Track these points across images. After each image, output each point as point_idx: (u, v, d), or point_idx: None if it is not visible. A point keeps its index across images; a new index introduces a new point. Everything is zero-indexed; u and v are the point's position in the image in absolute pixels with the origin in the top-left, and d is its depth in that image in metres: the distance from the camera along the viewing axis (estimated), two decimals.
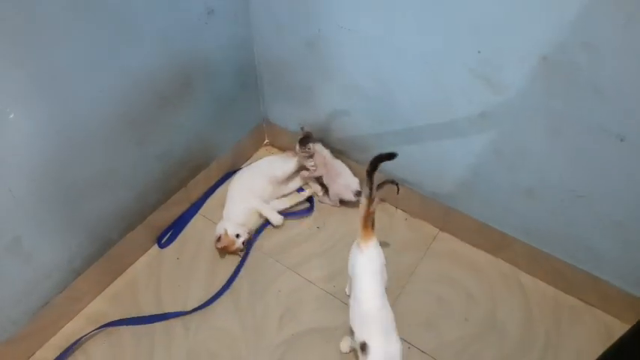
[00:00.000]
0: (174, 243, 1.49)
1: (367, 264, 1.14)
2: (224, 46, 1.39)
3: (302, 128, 1.52)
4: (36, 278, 1.18)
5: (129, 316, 1.31)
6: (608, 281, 1.25)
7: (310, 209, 1.57)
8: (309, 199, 1.60)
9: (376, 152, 1.46)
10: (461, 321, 1.31)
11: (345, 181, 1.52)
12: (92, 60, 1.06)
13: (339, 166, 1.54)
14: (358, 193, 1.51)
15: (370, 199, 1.12)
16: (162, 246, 1.47)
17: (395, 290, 1.36)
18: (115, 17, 1.06)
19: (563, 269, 1.31)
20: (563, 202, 1.19)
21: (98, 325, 1.28)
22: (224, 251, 1.44)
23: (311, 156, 1.52)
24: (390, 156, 1.10)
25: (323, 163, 1.53)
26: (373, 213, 1.14)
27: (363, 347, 1.06)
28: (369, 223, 1.14)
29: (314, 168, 1.54)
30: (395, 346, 1.06)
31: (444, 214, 1.46)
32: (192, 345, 1.27)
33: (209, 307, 1.34)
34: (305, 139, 1.50)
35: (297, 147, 1.51)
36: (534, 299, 1.35)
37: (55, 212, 1.15)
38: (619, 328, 1.25)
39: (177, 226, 1.51)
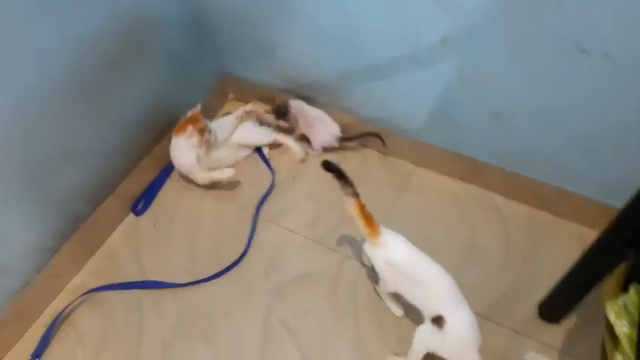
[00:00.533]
0: (149, 210, 1.47)
1: (402, 246, 1.09)
2: None
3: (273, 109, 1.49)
4: (11, 260, 1.16)
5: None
6: (579, 193, 1.28)
7: (272, 186, 1.50)
8: (268, 164, 1.54)
9: (343, 94, 1.46)
10: (442, 250, 1.33)
11: (327, 127, 1.50)
12: (30, 28, 1.00)
13: (318, 113, 1.51)
14: (340, 139, 1.49)
15: (356, 196, 1.08)
16: (137, 213, 1.45)
17: None
18: None
19: (535, 187, 1.33)
20: (529, 121, 1.20)
21: (83, 298, 1.28)
22: (188, 124, 1.40)
23: (294, 120, 1.49)
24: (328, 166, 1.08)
25: (303, 116, 1.50)
26: (364, 206, 1.09)
27: (438, 321, 1.02)
28: (369, 217, 1.09)
29: (299, 129, 1.51)
30: (470, 312, 1.03)
31: (416, 149, 1.46)
32: (182, 307, 1.28)
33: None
34: (281, 110, 1.46)
35: (279, 121, 1.48)
36: (510, 219, 1.38)
37: (18, 192, 1.11)
38: (592, 236, 1.28)
39: (150, 192, 1.49)
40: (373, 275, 1.19)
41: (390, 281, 1.12)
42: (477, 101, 1.23)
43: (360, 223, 1.09)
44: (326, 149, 1.53)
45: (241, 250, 1.36)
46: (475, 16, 1.06)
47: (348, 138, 1.51)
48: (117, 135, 1.33)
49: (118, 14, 1.18)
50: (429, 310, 1.06)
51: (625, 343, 0.79)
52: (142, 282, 1.31)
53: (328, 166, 1.09)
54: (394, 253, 1.09)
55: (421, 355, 1.07)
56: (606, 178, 1.22)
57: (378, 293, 1.25)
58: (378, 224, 1.10)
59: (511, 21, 1.03)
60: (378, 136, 1.47)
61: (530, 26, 1.03)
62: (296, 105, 1.51)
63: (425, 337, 1.06)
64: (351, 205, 1.09)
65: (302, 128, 1.52)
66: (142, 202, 1.47)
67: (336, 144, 1.51)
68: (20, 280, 1.21)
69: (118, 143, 1.35)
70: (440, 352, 1.04)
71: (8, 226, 1.12)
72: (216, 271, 1.32)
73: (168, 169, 1.54)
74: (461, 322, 1.02)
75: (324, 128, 1.50)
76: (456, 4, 1.06)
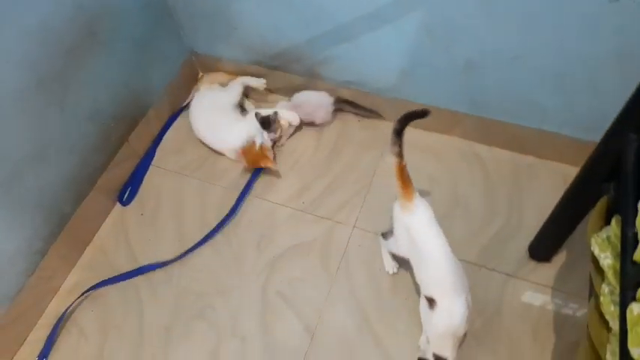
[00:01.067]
0: (134, 200, 1.46)
1: (424, 221, 1.06)
2: None
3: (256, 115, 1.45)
4: (0, 268, 1.16)
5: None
6: (557, 132, 1.28)
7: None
8: None
9: (313, 60, 1.43)
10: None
11: (320, 104, 1.48)
12: None
13: (307, 96, 1.49)
14: (337, 101, 1.47)
15: (400, 156, 1.07)
16: (124, 203, 1.45)
17: (361, 191, 1.39)
18: None
19: (514, 131, 1.33)
20: (501, 66, 1.19)
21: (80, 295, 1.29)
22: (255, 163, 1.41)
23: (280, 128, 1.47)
24: (424, 113, 1.05)
25: (300, 108, 1.48)
26: (405, 167, 1.08)
27: (431, 302, 1.02)
28: (407, 178, 1.07)
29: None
30: (463, 305, 1.00)
31: (392, 106, 1.44)
32: (178, 291, 1.29)
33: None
34: (265, 121, 1.43)
35: (266, 135, 1.44)
36: (492, 166, 1.38)
37: None
38: (575, 174, 1.30)
39: (134, 180, 1.48)
40: (388, 231, 1.19)
41: (402, 245, 1.13)
42: (446, 52, 1.21)
43: (397, 183, 1.08)
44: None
45: (231, 228, 1.37)
46: None
47: (341, 102, 1.49)
48: (88, 128, 1.30)
49: (68, 3, 1.14)
50: (424, 288, 1.06)
51: (610, 274, 0.80)
52: (136, 269, 1.32)
53: (405, 119, 1.08)
54: (415, 223, 1.07)
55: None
56: (583, 115, 1.22)
57: (380, 245, 1.25)
58: (414, 190, 1.08)
59: None
60: (372, 111, 1.48)
61: None
62: (284, 105, 1.50)
63: (422, 312, 1.08)
64: (393, 163, 1.09)
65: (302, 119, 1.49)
66: (127, 192, 1.46)
67: (331, 114, 1.50)
68: (14, 286, 1.21)
69: (91, 137, 1.32)
70: (425, 328, 1.08)
71: None
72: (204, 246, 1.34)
73: (149, 156, 1.52)
74: (450, 310, 1.01)
75: (320, 108, 1.48)
76: None
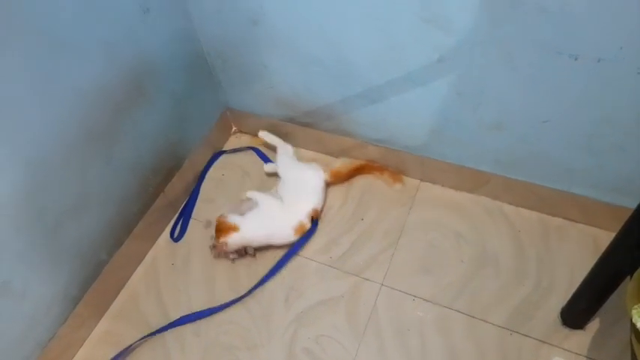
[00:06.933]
0: (165, 249, 1.49)
1: None
2: (168, 42, 1.35)
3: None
4: (35, 315, 1.18)
5: (137, 329, 1.32)
6: (585, 195, 1.30)
7: (314, 226, 1.46)
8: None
9: (344, 118, 1.48)
10: (457, 263, 1.35)
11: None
12: (39, 83, 1.03)
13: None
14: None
15: None
16: (176, 240, 1.51)
17: (389, 247, 1.40)
18: (46, 37, 1.02)
19: (542, 192, 1.35)
20: (530, 129, 1.22)
21: (109, 345, 1.29)
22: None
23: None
24: None
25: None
26: None
27: None
28: None
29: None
30: None
31: (421, 164, 1.48)
32: (206, 344, 1.29)
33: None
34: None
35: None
36: (521, 227, 1.39)
37: (38, 246, 1.13)
38: (605, 237, 1.30)
39: (183, 218, 1.54)
40: None
41: None
42: (476, 114, 1.25)
43: None
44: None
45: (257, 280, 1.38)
46: (466, 31, 1.08)
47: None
48: (128, 179, 1.36)
49: (120, 62, 1.21)
50: None
51: None
52: (168, 324, 1.32)
53: None
54: None
55: None
56: (611, 178, 1.23)
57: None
58: None
59: (502, 32, 1.05)
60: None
61: (521, 36, 1.04)
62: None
63: None
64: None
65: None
66: (177, 229, 1.53)
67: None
68: (47, 332, 1.22)
69: (131, 187, 1.37)
70: None
71: (32, 281, 1.14)
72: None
73: (190, 204, 1.57)
74: None
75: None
76: (446, 20, 1.08)
